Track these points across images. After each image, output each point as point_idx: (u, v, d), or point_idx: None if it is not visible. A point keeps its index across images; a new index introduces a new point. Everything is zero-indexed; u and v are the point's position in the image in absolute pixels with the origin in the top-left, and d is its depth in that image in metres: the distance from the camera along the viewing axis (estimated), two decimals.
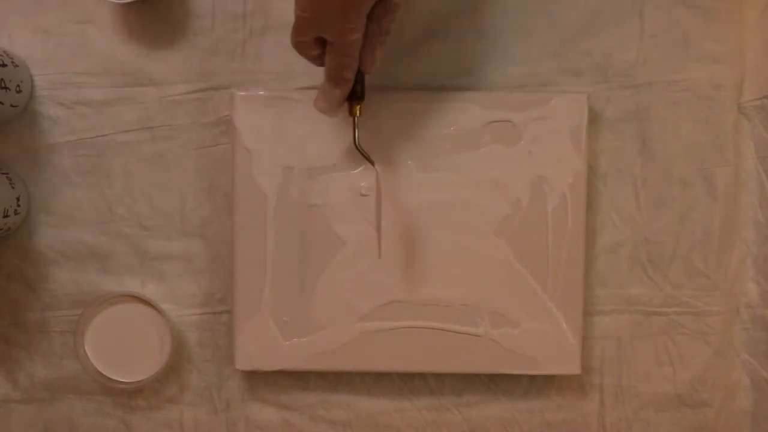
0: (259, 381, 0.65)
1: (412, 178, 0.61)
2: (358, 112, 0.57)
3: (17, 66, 0.62)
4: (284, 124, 0.61)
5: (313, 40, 0.53)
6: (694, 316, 0.64)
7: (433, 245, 0.62)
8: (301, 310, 0.62)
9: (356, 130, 0.58)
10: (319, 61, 0.54)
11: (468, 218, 0.62)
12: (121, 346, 0.63)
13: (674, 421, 0.65)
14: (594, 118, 0.63)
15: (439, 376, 0.65)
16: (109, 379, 0.63)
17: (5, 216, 0.61)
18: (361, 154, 0.58)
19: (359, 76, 0.56)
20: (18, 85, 0.62)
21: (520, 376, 0.64)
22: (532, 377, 0.64)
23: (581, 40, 0.63)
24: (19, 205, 0.63)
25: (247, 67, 0.64)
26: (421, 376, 0.65)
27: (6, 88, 0.60)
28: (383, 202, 0.59)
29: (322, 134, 0.61)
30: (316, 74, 0.62)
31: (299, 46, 0.53)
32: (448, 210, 0.62)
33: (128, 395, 0.65)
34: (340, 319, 0.62)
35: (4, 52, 0.61)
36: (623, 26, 0.63)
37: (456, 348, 0.62)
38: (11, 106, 0.62)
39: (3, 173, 0.62)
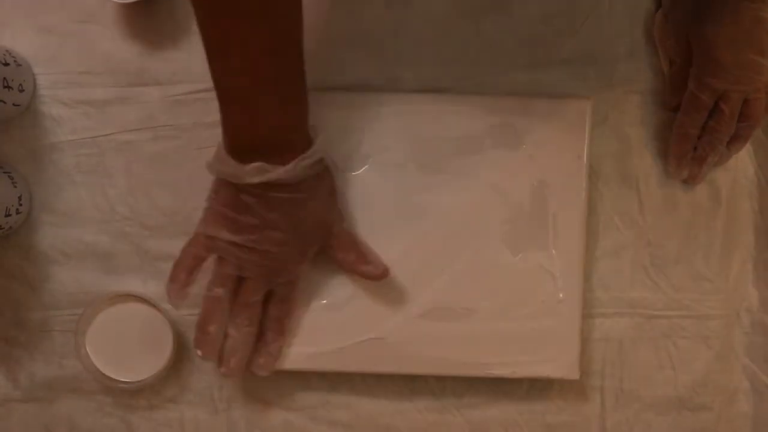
0: (260, 381, 0.65)
1: (413, 181, 0.61)
2: None
3: (20, 65, 0.62)
4: None
5: None
6: (695, 319, 0.64)
7: (435, 248, 0.61)
8: (301, 310, 0.62)
9: None
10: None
11: (469, 221, 0.61)
12: (122, 345, 0.63)
13: (675, 425, 0.65)
14: (596, 122, 0.63)
15: (440, 378, 0.65)
16: (110, 378, 0.63)
17: (7, 215, 0.61)
18: None
19: None
20: (20, 84, 0.62)
21: (520, 379, 0.64)
22: (533, 379, 0.64)
23: (586, 45, 0.63)
24: (20, 204, 0.62)
25: None
26: (422, 377, 0.65)
27: (8, 87, 0.60)
28: (383, 205, 0.58)
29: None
30: (316, 75, 0.62)
31: None
32: (449, 213, 0.61)
33: (129, 395, 0.65)
34: (341, 319, 0.62)
35: (7, 51, 0.61)
36: (628, 32, 0.63)
37: (457, 350, 0.62)
38: (14, 105, 0.62)
39: (5, 172, 0.62)
